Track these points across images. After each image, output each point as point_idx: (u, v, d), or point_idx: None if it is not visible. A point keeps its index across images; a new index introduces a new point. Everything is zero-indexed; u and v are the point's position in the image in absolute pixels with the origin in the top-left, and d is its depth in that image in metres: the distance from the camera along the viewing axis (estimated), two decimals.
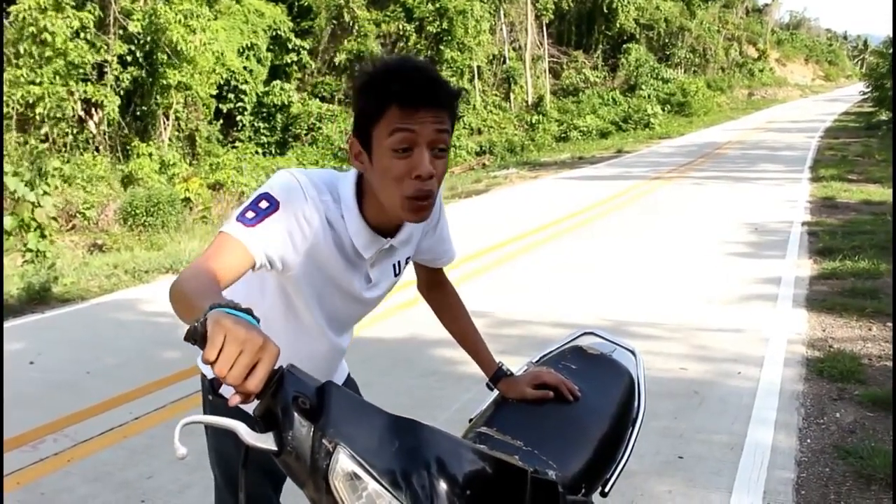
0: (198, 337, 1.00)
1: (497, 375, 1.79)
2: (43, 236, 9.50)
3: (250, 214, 1.37)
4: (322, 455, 1.02)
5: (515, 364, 1.88)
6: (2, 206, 8.62)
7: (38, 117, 14.99)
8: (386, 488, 1.04)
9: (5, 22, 14.63)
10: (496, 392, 1.80)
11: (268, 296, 1.61)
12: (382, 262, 1.63)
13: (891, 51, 26.30)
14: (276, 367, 1.02)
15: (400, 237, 1.58)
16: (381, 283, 1.66)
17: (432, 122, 1.35)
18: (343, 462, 1.02)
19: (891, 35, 26.02)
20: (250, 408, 1.06)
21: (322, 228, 1.46)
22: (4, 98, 14.08)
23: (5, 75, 14.16)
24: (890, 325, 5.27)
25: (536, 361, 1.91)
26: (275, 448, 1.04)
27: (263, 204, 1.39)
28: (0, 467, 3.12)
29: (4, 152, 13.16)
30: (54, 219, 10.82)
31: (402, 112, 1.33)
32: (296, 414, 1.03)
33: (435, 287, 1.93)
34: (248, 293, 1.62)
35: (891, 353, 4.76)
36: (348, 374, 1.98)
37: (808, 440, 3.60)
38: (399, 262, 1.69)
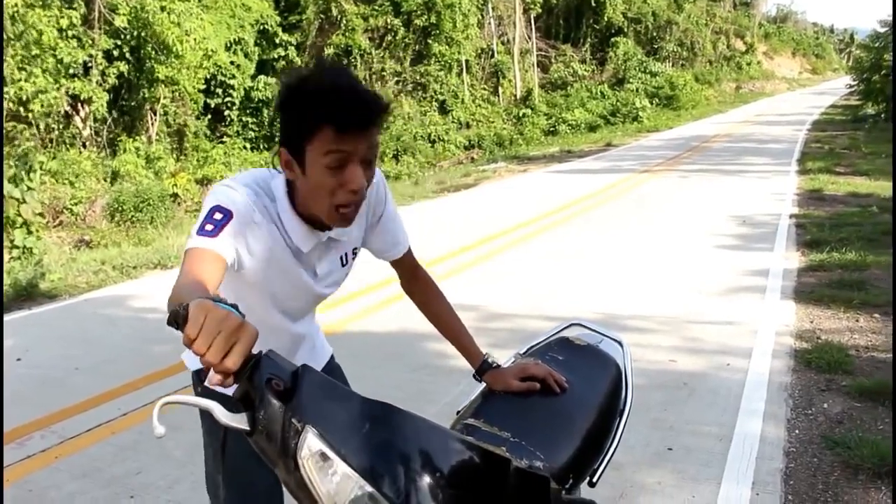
0: (180, 319, 1.03)
1: (483, 368, 1.80)
2: (29, 232, 9.44)
3: (209, 227, 1.45)
4: (291, 434, 1.04)
5: (503, 356, 1.88)
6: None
7: (30, 115, 14.85)
8: (354, 469, 1.04)
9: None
10: (484, 384, 1.81)
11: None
12: (327, 255, 1.70)
13: (876, 45, 26.44)
14: (255, 353, 1.04)
15: (335, 230, 1.64)
16: (329, 276, 1.73)
17: (365, 141, 1.42)
18: (311, 441, 1.03)
19: (877, 29, 26.15)
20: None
21: (268, 230, 1.56)
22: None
23: None
24: (877, 315, 5.31)
25: (524, 353, 1.91)
26: (247, 428, 1.06)
27: (218, 216, 1.47)
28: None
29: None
30: (40, 215, 10.74)
31: (337, 135, 1.39)
32: (269, 395, 1.04)
33: (413, 282, 1.97)
34: None
35: (878, 343, 4.79)
36: (331, 356, 2.02)
37: (797, 431, 3.62)
38: (346, 255, 1.75)
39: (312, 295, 1.74)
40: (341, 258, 1.74)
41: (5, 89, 14.35)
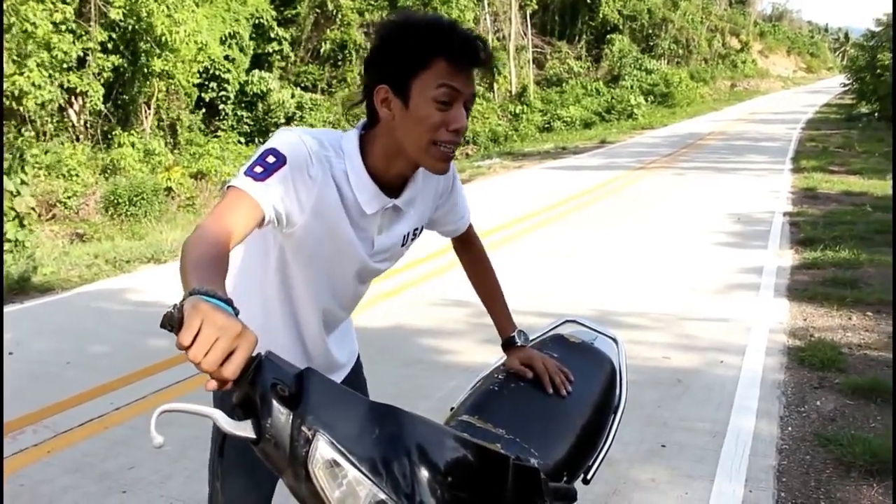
0: (174, 323, 0.98)
1: (507, 343, 1.86)
2: (22, 226, 9.39)
3: (258, 169, 1.37)
4: (301, 443, 1.01)
5: (499, 353, 1.88)
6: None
7: (21, 108, 14.75)
8: (366, 475, 1.02)
9: None
10: (477, 379, 1.81)
11: (269, 273, 1.61)
12: (390, 228, 1.60)
13: (870, 43, 26.48)
14: (253, 354, 1.00)
15: (404, 197, 1.56)
16: (386, 251, 1.63)
17: (471, 83, 1.42)
18: (322, 449, 1.01)
19: (871, 28, 26.21)
20: None
21: (326, 184, 1.45)
22: None
23: None
24: (870, 313, 5.32)
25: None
26: (253, 436, 1.02)
27: (270, 159, 1.38)
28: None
29: None
30: (33, 208, 10.68)
31: (450, 68, 1.38)
32: (274, 401, 1.01)
33: (465, 246, 1.95)
34: (250, 269, 1.65)
35: (871, 341, 4.80)
36: (357, 355, 1.96)
37: (790, 428, 3.63)
38: (409, 233, 1.66)
39: (364, 269, 1.63)
40: (404, 236, 1.64)
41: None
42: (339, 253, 1.55)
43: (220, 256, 1.22)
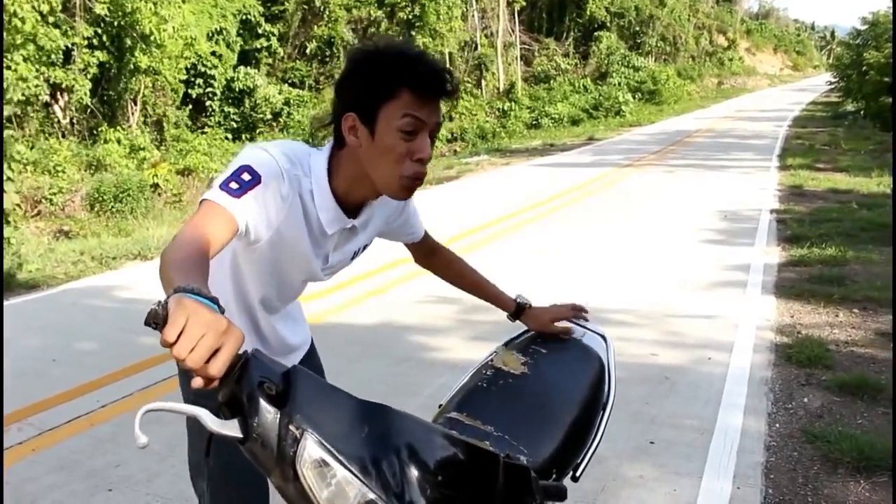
0: (159, 320, 0.96)
1: (518, 309, 1.94)
2: (7, 222, 9.33)
3: (234, 185, 1.40)
4: (289, 442, 0.99)
5: (487, 349, 1.87)
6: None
7: (11, 105, 14.62)
8: (355, 475, 1.01)
9: None
10: (466, 377, 1.80)
11: (221, 271, 1.64)
12: (343, 246, 1.68)
13: (856, 42, 26.63)
14: (240, 352, 0.99)
15: (361, 219, 1.63)
16: (336, 265, 1.72)
17: (436, 113, 1.46)
18: (311, 449, 1.00)
19: (857, 27, 26.35)
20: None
21: (294, 203, 1.50)
22: None
23: None
24: (856, 310, 5.35)
25: (506, 345, 1.90)
26: (240, 435, 1.01)
27: (246, 176, 1.41)
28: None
29: None
30: (18, 205, 10.62)
31: (415, 99, 1.42)
32: (261, 400, 1.00)
33: (430, 254, 2.02)
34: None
35: (857, 338, 4.83)
36: (311, 340, 2.00)
37: (777, 425, 3.64)
38: (359, 249, 1.75)
39: (312, 279, 1.73)
40: (354, 253, 1.74)
41: None
42: (293, 264, 1.64)
43: (202, 258, 1.23)
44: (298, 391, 1.02)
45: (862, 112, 25.21)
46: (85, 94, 16.32)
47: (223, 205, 1.37)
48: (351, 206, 1.58)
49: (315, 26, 25.15)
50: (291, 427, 1.00)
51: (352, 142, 1.48)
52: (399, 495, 1.04)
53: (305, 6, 25.33)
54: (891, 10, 23.23)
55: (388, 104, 1.42)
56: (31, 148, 14.95)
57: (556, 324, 1.91)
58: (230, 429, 1.01)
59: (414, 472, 1.07)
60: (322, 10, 25.13)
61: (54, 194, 13.37)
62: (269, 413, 1.00)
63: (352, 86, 1.47)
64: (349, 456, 1.02)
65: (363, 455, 1.04)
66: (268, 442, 1.00)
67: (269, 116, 21.37)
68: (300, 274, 1.69)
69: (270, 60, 24.56)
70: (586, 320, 1.96)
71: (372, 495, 1.01)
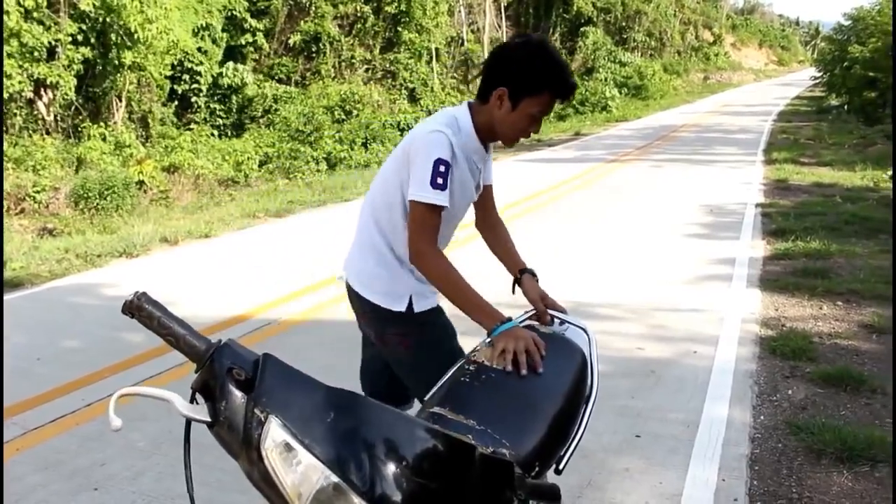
0: (133, 309, 1.10)
1: (522, 272, 2.46)
2: None
3: (440, 181, 1.93)
4: (254, 425, 1.01)
5: (473, 343, 1.88)
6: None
7: None
8: (318, 458, 1.02)
9: None
10: (449, 374, 1.81)
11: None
12: (484, 171, 2.28)
13: (840, 37, 26.74)
14: (214, 342, 1.01)
15: (489, 152, 2.24)
16: (479, 185, 2.27)
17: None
18: (274, 432, 1.01)
19: (841, 22, 26.44)
20: None
21: (462, 160, 2.07)
22: None
23: None
24: (840, 303, 5.39)
25: (489, 342, 1.91)
26: (208, 419, 1.02)
27: (443, 168, 1.94)
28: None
29: None
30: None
31: (551, 101, 2.01)
32: (230, 385, 1.01)
33: (488, 215, 2.55)
34: (390, 219, 2.14)
35: (841, 330, 4.87)
36: None
37: (762, 417, 3.67)
38: (481, 170, 2.26)
39: (472, 200, 2.30)
40: (479, 171, 2.24)
41: None
42: (464, 200, 2.19)
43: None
44: (266, 377, 1.04)
45: (846, 106, 25.35)
46: (69, 90, 16.18)
47: (442, 203, 1.95)
48: (483, 143, 2.14)
49: (301, 21, 25.05)
50: (257, 410, 1.01)
51: (494, 104, 2.03)
52: (364, 479, 1.04)
53: (291, 2, 25.22)
54: (874, 7, 23.35)
55: (533, 98, 1.98)
56: (15, 145, 14.82)
57: (543, 307, 2.28)
58: (199, 412, 1.03)
59: (382, 459, 1.08)
60: (308, 5, 25.02)
61: (38, 192, 13.26)
62: (236, 397, 1.01)
63: (516, 70, 1.97)
64: (314, 440, 1.03)
65: (328, 439, 1.04)
66: (234, 425, 1.02)
67: (259, 114, 21.26)
68: (466, 204, 2.23)
69: (256, 56, 24.44)
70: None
71: (335, 478, 1.02)
